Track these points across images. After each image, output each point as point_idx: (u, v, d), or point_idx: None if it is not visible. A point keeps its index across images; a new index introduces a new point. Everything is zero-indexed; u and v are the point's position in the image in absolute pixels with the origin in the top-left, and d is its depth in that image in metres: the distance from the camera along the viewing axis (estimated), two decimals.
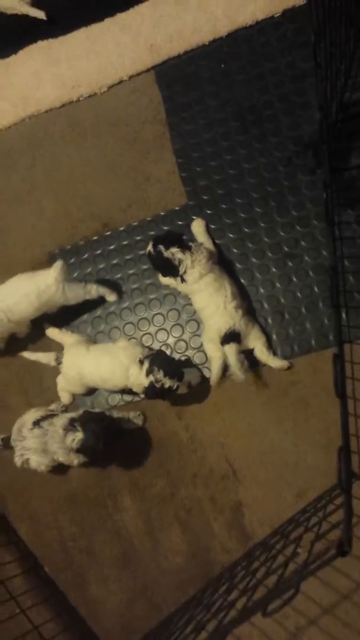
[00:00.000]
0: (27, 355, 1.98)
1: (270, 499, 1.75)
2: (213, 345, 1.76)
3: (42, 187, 2.21)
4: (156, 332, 1.96)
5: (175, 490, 1.86)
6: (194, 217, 1.97)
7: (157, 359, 1.68)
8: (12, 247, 2.20)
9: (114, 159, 2.14)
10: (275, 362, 1.74)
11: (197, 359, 1.89)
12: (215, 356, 1.77)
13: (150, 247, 1.80)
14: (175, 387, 1.67)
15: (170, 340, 1.93)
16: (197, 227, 1.94)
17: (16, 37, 2.31)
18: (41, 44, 2.28)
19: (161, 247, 1.76)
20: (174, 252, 1.75)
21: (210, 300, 1.76)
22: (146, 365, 1.68)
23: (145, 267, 2.02)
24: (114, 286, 2.02)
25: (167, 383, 1.66)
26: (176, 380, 1.66)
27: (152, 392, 1.68)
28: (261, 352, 1.76)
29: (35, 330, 2.02)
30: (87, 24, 2.23)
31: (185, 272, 1.76)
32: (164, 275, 1.87)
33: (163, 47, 2.11)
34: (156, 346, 1.94)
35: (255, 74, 1.99)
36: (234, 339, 1.73)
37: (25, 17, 2.28)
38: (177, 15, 2.10)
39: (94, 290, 1.94)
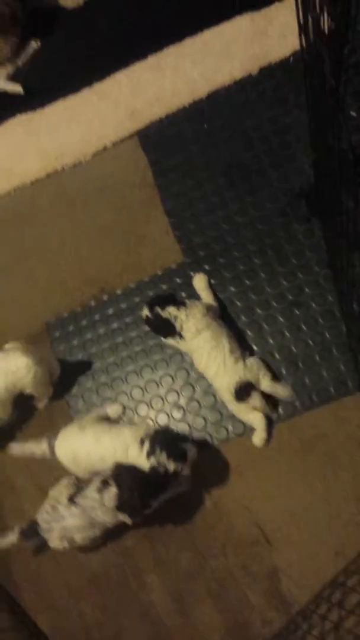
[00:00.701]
0: (17, 450, 1.83)
1: (307, 560, 1.66)
2: (235, 405, 1.71)
3: (34, 256, 2.17)
4: (166, 394, 1.89)
5: (204, 562, 1.75)
6: (194, 274, 1.94)
7: (159, 439, 1.58)
8: (7, 319, 2.13)
9: (105, 224, 2.12)
10: (284, 390, 1.69)
11: (211, 418, 1.82)
12: (246, 413, 1.70)
13: (146, 311, 1.77)
14: (180, 469, 1.56)
15: (182, 401, 1.87)
16: (199, 282, 1.92)
17: None
18: (21, 118, 2.30)
19: (158, 309, 1.74)
20: (171, 311, 1.73)
21: (209, 359, 1.71)
22: (147, 445, 1.57)
23: (147, 328, 1.97)
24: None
25: (172, 466, 1.55)
26: (181, 462, 1.55)
27: (154, 478, 1.56)
28: (270, 386, 1.70)
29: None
30: (65, 95, 2.26)
31: (182, 328, 1.73)
32: (165, 336, 1.82)
33: (144, 112, 2.14)
34: (168, 409, 1.87)
35: (239, 131, 2.03)
36: (248, 391, 1.68)
37: (2, 93, 2.31)
38: (155, 80, 2.15)
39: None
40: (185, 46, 2.12)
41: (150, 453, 1.56)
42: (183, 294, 1.95)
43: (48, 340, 2.06)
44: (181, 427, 1.84)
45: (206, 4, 2.15)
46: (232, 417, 1.79)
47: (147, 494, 1.55)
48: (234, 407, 1.73)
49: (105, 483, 1.57)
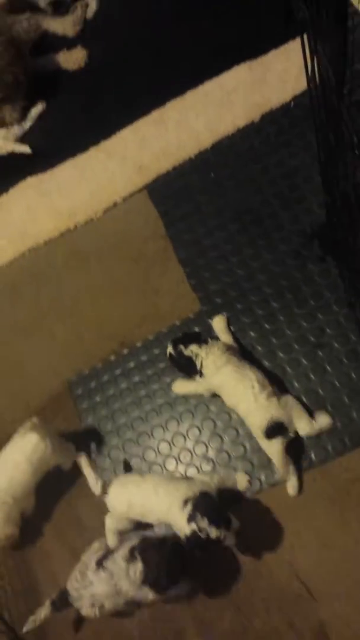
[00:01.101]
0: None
1: (355, 613, 1.59)
2: (266, 444, 1.66)
3: (51, 314, 2.18)
4: (194, 447, 1.86)
5: (247, 622, 1.68)
6: (211, 320, 1.93)
7: (201, 503, 1.51)
8: (28, 380, 2.13)
9: (121, 278, 2.14)
10: (324, 419, 1.66)
11: (242, 469, 1.78)
12: (278, 455, 1.65)
13: (170, 349, 1.78)
14: (222, 537, 1.49)
15: (211, 453, 1.83)
16: (218, 324, 1.91)
17: (4, 177, 2.39)
18: (31, 180, 2.35)
19: (181, 347, 1.75)
20: (193, 349, 1.73)
21: (237, 395, 1.69)
22: (189, 508, 1.51)
23: (169, 380, 1.95)
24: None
25: (213, 533, 1.48)
26: (223, 529, 1.48)
27: (194, 542, 1.50)
28: (308, 426, 1.66)
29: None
30: (74, 154, 2.31)
31: (202, 365, 1.72)
32: (189, 374, 1.81)
33: (151, 167, 2.18)
34: (197, 462, 1.84)
35: (246, 177, 2.05)
36: (280, 432, 1.64)
37: (11, 155, 2.37)
38: (160, 135, 2.19)
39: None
40: (187, 99, 2.17)
41: (191, 518, 1.50)
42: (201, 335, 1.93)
43: (71, 399, 2.05)
44: None
45: (204, 57, 2.21)
46: (264, 467, 1.75)
47: (175, 571, 1.50)
48: (265, 446, 1.68)
49: (133, 554, 1.53)
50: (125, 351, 2.04)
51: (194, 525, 1.49)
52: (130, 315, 2.08)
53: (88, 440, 1.95)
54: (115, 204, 2.21)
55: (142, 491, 1.65)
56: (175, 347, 1.77)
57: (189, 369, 1.77)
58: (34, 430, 1.78)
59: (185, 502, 1.53)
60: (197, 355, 1.73)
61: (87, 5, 2.46)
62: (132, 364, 2.02)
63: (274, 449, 1.65)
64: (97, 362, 2.06)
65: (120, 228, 2.20)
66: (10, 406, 2.13)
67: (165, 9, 2.34)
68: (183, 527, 1.52)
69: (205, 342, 1.75)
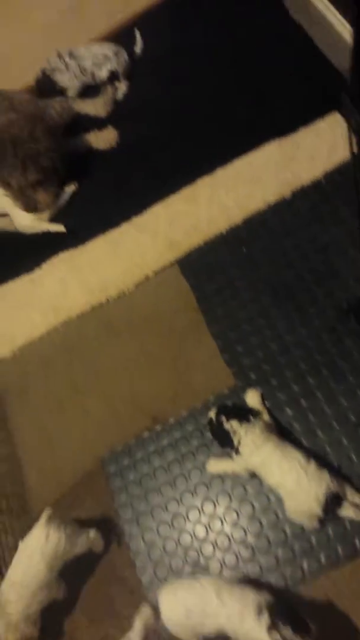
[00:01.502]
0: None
1: None
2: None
3: (84, 388, 2.17)
4: (231, 531, 1.79)
5: None
6: (247, 390, 1.90)
7: (281, 610, 1.40)
8: (61, 458, 2.10)
9: (153, 352, 2.13)
10: None
11: (283, 556, 1.70)
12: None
13: (212, 414, 1.76)
14: None
15: (250, 539, 1.76)
16: (252, 399, 1.88)
17: (38, 252, 2.43)
18: (63, 255, 2.39)
19: (223, 418, 1.72)
20: (233, 424, 1.70)
21: (282, 472, 1.62)
22: (266, 616, 1.37)
23: (204, 458, 1.90)
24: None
25: None
26: (308, 637, 1.36)
27: None
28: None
29: None
30: (105, 230, 2.36)
31: (239, 443, 1.68)
32: (222, 446, 1.77)
33: (182, 242, 2.20)
34: (235, 547, 1.76)
35: (278, 252, 2.06)
36: (339, 501, 1.58)
37: (45, 232, 2.42)
38: (191, 211, 2.23)
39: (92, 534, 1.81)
40: (218, 176, 2.22)
41: (272, 627, 1.36)
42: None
43: (103, 476, 2.01)
44: (251, 569, 1.72)
45: (234, 135, 2.27)
46: (307, 553, 1.67)
47: None
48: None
49: None
50: (158, 427, 2.00)
51: (276, 636, 1.35)
52: (163, 390, 2.06)
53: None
54: (147, 278, 2.23)
55: (200, 597, 1.51)
56: (217, 415, 1.75)
57: (225, 441, 1.74)
58: (48, 522, 1.72)
59: (260, 608, 1.40)
60: (235, 433, 1.69)
61: (117, 88, 2.55)
62: (165, 442, 1.98)
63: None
64: (131, 439, 2.03)
65: (152, 301, 2.21)
66: (42, 483, 2.09)
67: (194, 89, 2.43)
68: (259, 637, 1.37)
69: (248, 420, 1.71)
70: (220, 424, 1.73)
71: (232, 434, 1.70)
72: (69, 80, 2.51)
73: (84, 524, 1.84)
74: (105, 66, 2.47)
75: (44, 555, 1.68)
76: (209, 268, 2.15)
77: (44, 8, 2.98)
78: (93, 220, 2.39)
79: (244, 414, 1.74)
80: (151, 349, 2.14)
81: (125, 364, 2.15)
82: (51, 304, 2.33)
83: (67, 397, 2.18)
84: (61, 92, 2.56)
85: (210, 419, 1.78)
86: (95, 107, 2.53)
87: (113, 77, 2.49)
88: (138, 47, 2.57)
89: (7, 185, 2.20)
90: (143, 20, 2.65)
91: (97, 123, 2.53)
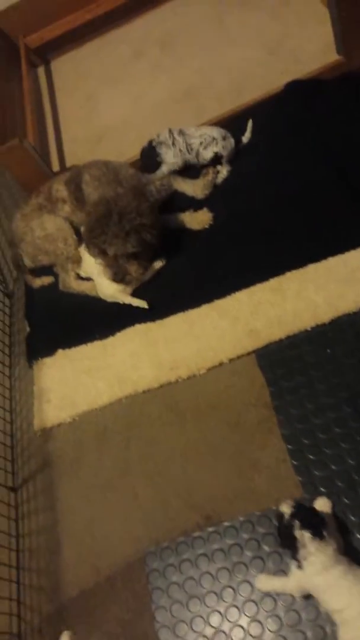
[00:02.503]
0: None
1: None
2: None
3: (137, 471, 2.06)
4: None
5: None
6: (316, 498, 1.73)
7: None
8: (102, 541, 1.97)
9: (216, 443, 2.00)
10: None
11: None
12: None
13: (287, 510, 1.59)
14: None
15: None
16: (323, 508, 1.70)
17: (114, 319, 2.41)
18: (139, 327, 2.35)
19: (296, 522, 1.55)
20: (304, 534, 1.52)
21: (352, 597, 1.45)
22: None
23: (257, 572, 1.72)
24: None
25: None
26: None
27: None
28: None
29: None
30: (185, 309, 2.31)
31: (305, 558, 1.51)
32: (283, 547, 1.65)
33: (263, 332, 2.12)
34: None
35: None
36: None
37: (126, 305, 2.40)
38: (276, 302, 2.15)
39: None
40: (309, 271, 2.15)
41: None
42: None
43: (144, 571, 1.86)
44: None
45: (330, 233, 2.21)
46: None
47: None
48: None
49: None
50: (211, 529, 1.85)
51: None
52: (222, 487, 1.92)
53: None
54: (220, 364, 2.14)
55: None
56: (292, 516, 1.57)
57: (288, 545, 1.58)
58: None
59: None
60: (304, 546, 1.52)
61: (218, 171, 2.58)
62: (216, 545, 1.82)
63: None
64: (179, 535, 1.88)
65: (223, 389, 2.11)
66: (78, 564, 1.96)
67: (295, 180, 2.41)
68: None
69: (322, 537, 1.53)
70: (290, 527, 1.55)
71: (299, 544, 1.53)
72: (173, 157, 2.56)
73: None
74: (211, 147, 2.51)
75: None
76: (287, 364, 2.04)
77: (157, 89, 3.15)
78: (174, 296, 2.36)
79: (318, 527, 1.55)
80: (214, 440, 2.01)
81: (184, 452, 2.03)
82: (119, 374, 2.27)
83: (118, 476, 2.07)
84: (160, 165, 2.61)
85: (282, 515, 1.60)
86: (194, 188, 2.56)
87: (216, 159, 2.52)
88: (246, 137, 2.62)
89: (103, 253, 2.23)
90: (252, 110, 2.70)
91: (193, 203, 2.55)
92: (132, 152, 2.80)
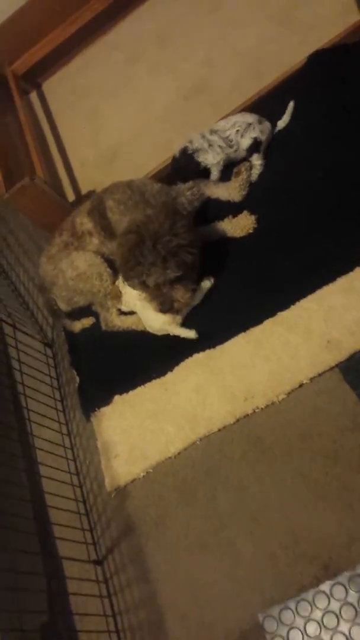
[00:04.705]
0: None
1: None
2: None
3: (231, 523, 1.82)
4: None
5: None
6: None
7: None
8: (208, 609, 1.75)
9: (316, 479, 1.75)
10: None
11: None
12: None
13: None
14: None
15: None
16: None
17: (169, 352, 2.17)
18: (198, 357, 2.12)
19: None
20: None
21: None
22: None
23: None
24: None
25: None
26: None
27: None
28: None
29: None
30: (246, 328, 2.06)
31: None
32: None
33: (343, 341, 1.86)
34: None
35: None
36: None
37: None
38: (350, 304, 1.89)
39: None
40: None
41: None
42: None
43: (261, 637, 1.62)
44: None
45: None
46: None
47: None
48: None
49: None
50: (331, 581, 1.60)
51: None
52: (333, 530, 1.66)
53: None
54: (301, 385, 1.89)
55: None
56: None
57: None
58: None
59: None
60: None
61: (251, 167, 2.32)
62: (343, 599, 1.57)
63: None
64: (296, 591, 1.64)
65: (309, 414, 1.85)
66: (190, 637, 1.73)
67: (343, 165, 2.13)
68: None
69: None
70: None
71: None
72: (214, 158, 2.30)
73: None
74: (249, 134, 2.24)
75: None
76: None
77: (163, 91, 2.90)
78: (231, 316, 2.11)
79: None
80: (313, 476, 1.76)
81: (281, 494, 1.78)
82: (187, 414, 2.04)
83: (211, 533, 1.84)
84: (203, 172, 2.35)
85: None
86: (228, 191, 2.30)
87: (255, 146, 2.24)
88: (283, 121, 2.33)
89: (143, 285, 1.99)
90: (277, 92, 2.42)
91: (231, 208, 2.29)
92: (152, 163, 2.56)
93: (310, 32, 2.55)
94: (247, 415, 1.94)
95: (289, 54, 2.50)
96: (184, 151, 2.33)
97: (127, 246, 2.00)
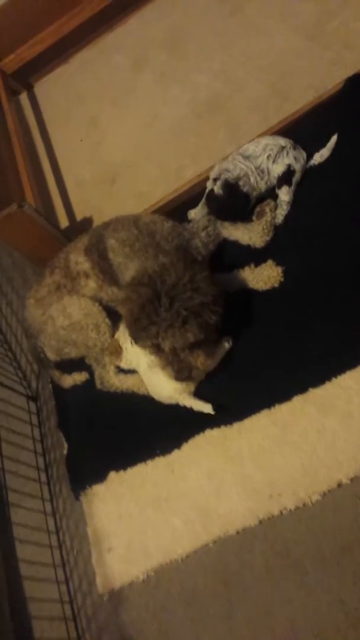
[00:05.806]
0: None
1: None
2: None
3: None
4: None
5: None
6: None
7: None
8: None
9: (358, 609, 1.43)
10: None
11: None
12: None
13: None
14: None
15: None
16: None
17: (178, 427, 1.83)
18: (212, 434, 1.79)
19: None
20: None
21: None
22: None
23: None
24: None
25: None
26: None
27: None
28: None
29: None
30: (270, 404, 1.73)
31: None
32: None
33: None
34: None
35: None
36: None
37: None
38: None
39: None
40: None
41: None
42: None
43: None
44: None
45: None
46: None
47: None
48: None
49: None
50: None
51: None
52: None
53: None
54: (339, 485, 1.57)
55: None
56: None
57: None
58: None
59: None
60: None
61: (275, 207, 1.98)
62: None
63: None
64: None
65: (350, 523, 1.54)
66: None
67: None
68: None
69: None
70: None
71: None
72: (258, 183, 1.94)
73: None
74: (282, 159, 1.90)
75: None
76: None
77: (171, 105, 2.54)
78: (252, 387, 1.79)
79: None
80: (354, 604, 1.44)
81: (315, 620, 1.47)
82: (198, 506, 1.72)
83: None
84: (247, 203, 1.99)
85: None
86: (249, 234, 1.96)
87: (288, 176, 1.90)
88: (321, 155, 1.98)
89: (156, 348, 1.64)
90: (306, 120, 2.08)
91: (253, 255, 1.95)
92: (158, 190, 2.22)
93: (344, 50, 2.22)
94: (273, 516, 1.62)
95: (318, 74, 2.18)
96: (225, 184, 1.93)
97: (138, 302, 1.64)
